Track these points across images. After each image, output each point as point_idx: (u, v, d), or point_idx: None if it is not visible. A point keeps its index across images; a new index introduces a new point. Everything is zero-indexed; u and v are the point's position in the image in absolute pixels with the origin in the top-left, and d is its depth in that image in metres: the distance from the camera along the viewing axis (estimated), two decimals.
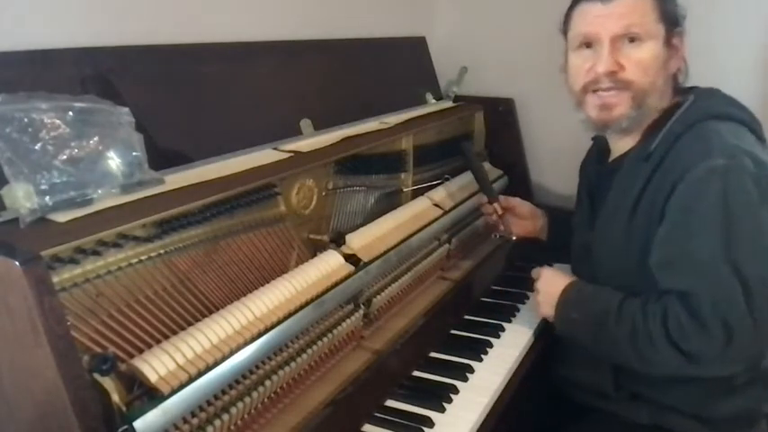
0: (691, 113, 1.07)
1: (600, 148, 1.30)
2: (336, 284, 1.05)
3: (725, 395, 1.07)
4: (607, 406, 1.18)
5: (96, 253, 0.78)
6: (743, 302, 0.95)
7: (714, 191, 0.97)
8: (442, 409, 1.07)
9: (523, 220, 1.52)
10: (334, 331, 1.08)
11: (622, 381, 1.14)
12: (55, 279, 0.72)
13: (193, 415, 0.81)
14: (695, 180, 0.99)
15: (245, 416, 0.90)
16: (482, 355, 1.23)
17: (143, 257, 0.85)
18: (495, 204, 1.46)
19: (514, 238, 1.47)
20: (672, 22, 1.09)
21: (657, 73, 1.08)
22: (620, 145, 1.18)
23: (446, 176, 1.58)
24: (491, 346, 1.27)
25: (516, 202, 1.53)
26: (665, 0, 1.08)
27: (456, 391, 1.12)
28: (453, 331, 1.33)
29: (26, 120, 0.80)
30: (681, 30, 1.11)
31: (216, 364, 0.82)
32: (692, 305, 0.97)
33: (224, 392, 0.86)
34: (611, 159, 1.22)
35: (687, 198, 1.00)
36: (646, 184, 1.07)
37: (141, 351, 0.80)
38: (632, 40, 1.07)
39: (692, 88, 1.16)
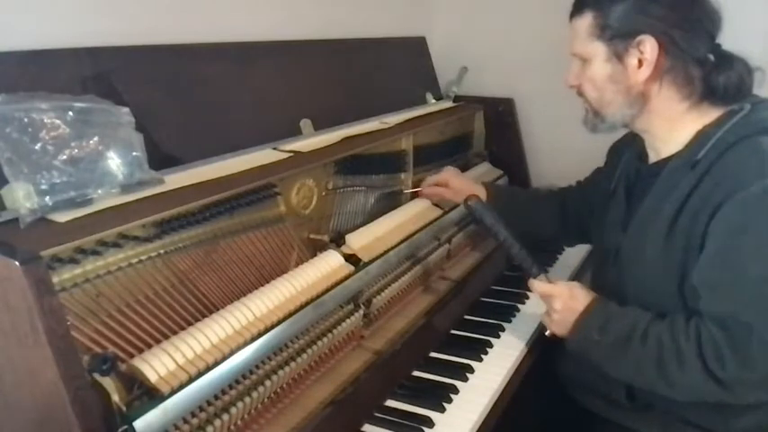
0: (744, 125, 1.00)
1: (642, 142, 1.19)
2: (336, 284, 1.06)
3: (744, 409, 1.03)
4: (616, 414, 1.14)
5: (96, 253, 0.78)
6: None
7: None
8: (442, 409, 1.07)
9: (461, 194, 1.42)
10: (334, 331, 1.08)
11: (637, 390, 1.10)
12: (55, 279, 0.72)
13: (193, 415, 0.81)
14: (749, 199, 0.93)
15: (246, 416, 0.90)
16: (482, 355, 1.23)
17: (143, 257, 0.85)
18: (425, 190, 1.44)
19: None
20: (621, 35, 1.01)
21: (609, 88, 1.06)
22: (664, 148, 1.10)
23: None
24: (491, 346, 1.27)
25: (449, 174, 1.46)
26: (608, 15, 1.01)
27: (456, 391, 1.12)
28: (453, 331, 1.32)
29: (26, 120, 0.80)
30: (642, 39, 0.99)
31: (216, 364, 0.82)
32: (734, 332, 0.93)
33: (224, 392, 0.86)
34: (653, 161, 1.13)
35: (739, 218, 0.94)
36: (690, 194, 1.00)
37: (141, 351, 0.80)
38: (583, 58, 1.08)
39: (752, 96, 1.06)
